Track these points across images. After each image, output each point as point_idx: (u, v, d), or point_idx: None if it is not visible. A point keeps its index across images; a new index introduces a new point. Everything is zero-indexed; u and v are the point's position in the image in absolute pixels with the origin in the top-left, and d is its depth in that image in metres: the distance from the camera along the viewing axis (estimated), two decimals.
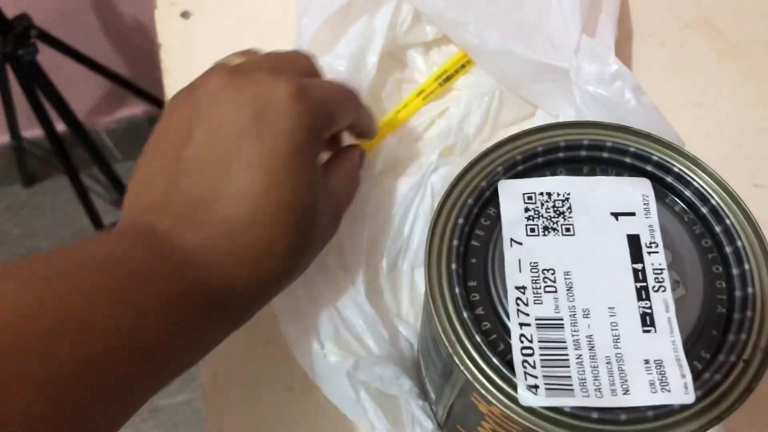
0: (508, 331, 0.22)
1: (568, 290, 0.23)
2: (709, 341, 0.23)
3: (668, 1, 0.45)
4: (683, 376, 0.21)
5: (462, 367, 0.22)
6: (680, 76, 0.43)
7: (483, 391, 0.21)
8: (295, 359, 0.33)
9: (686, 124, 0.41)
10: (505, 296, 0.23)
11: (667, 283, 0.23)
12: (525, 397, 0.21)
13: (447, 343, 0.22)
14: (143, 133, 1.22)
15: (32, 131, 1.07)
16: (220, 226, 0.25)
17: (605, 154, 0.25)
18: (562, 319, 0.22)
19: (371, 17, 0.39)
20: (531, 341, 0.22)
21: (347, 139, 0.35)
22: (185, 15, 0.44)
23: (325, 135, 0.29)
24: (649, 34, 0.44)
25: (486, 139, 0.38)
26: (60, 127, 0.95)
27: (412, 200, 0.37)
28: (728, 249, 0.24)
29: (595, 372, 0.21)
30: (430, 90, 0.40)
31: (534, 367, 0.22)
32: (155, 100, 1.07)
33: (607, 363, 0.22)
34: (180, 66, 0.43)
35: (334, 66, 0.37)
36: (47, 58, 0.86)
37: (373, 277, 0.35)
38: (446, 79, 0.40)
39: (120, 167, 1.13)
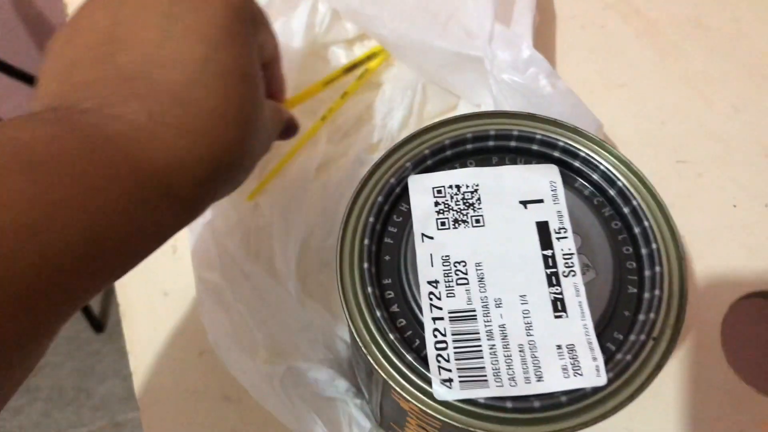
0: (422, 327, 0.22)
1: (479, 281, 0.23)
2: (622, 322, 0.23)
3: None
4: (595, 359, 0.22)
5: (377, 367, 0.22)
6: (602, 56, 0.43)
7: (399, 389, 0.21)
8: None
9: (610, 104, 0.42)
10: (419, 292, 0.23)
11: (577, 268, 0.23)
12: (439, 391, 0.21)
13: (362, 344, 0.22)
14: None
15: None
16: (163, 95, 0.22)
17: (513, 143, 0.25)
18: (474, 311, 0.22)
19: (287, 19, 0.39)
20: (444, 335, 0.22)
21: None
22: None
23: (257, 33, 0.26)
24: (571, 17, 0.45)
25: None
26: None
27: (340, 198, 0.36)
28: (636, 229, 0.24)
29: (509, 361, 0.22)
30: (334, 77, 0.39)
31: (448, 360, 0.22)
32: None
33: (520, 351, 0.22)
34: None
35: None
36: None
37: (306, 278, 0.35)
38: (354, 66, 0.39)
39: None
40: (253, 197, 0.37)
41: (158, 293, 0.35)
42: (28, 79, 0.91)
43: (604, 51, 0.44)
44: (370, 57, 0.40)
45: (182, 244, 0.37)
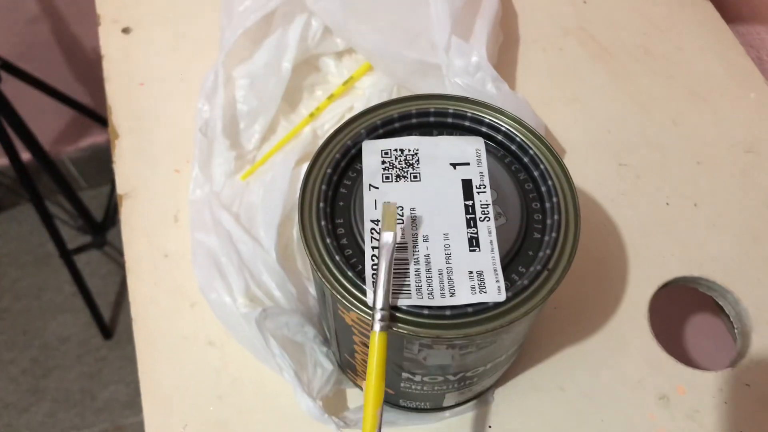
0: (365, 254, 0.28)
1: (412, 222, 0.28)
2: (526, 258, 0.28)
3: (550, 11, 0.53)
4: (497, 282, 0.27)
5: (325, 282, 0.27)
6: (559, 75, 0.50)
7: (342, 299, 0.27)
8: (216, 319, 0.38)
9: (563, 115, 0.48)
10: (364, 228, 0.28)
11: (491, 215, 0.29)
12: (372, 299, 0.26)
13: (313, 264, 0.27)
14: (107, 161, 1.27)
15: None
16: None
17: (449, 119, 0.31)
18: (406, 243, 0.28)
19: (284, 31, 0.45)
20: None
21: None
22: (126, 30, 0.50)
23: None
24: (533, 41, 0.51)
25: None
26: (25, 155, 1.00)
27: None
28: (543, 188, 0.30)
29: (429, 281, 0.27)
30: (317, 112, 0.46)
31: None
32: None
33: (439, 274, 0.27)
34: (120, 75, 0.48)
35: (239, 81, 0.43)
36: (11, 88, 0.91)
37: (286, 245, 0.40)
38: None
39: (84, 195, 1.18)
40: (246, 177, 0.43)
41: (160, 255, 0.41)
42: (62, 97, 0.99)
43: (561, 71, 0.50)
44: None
45: (183, 214, 0.43)
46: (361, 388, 0.37)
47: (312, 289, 0.39)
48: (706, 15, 0.53)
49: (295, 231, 0.41)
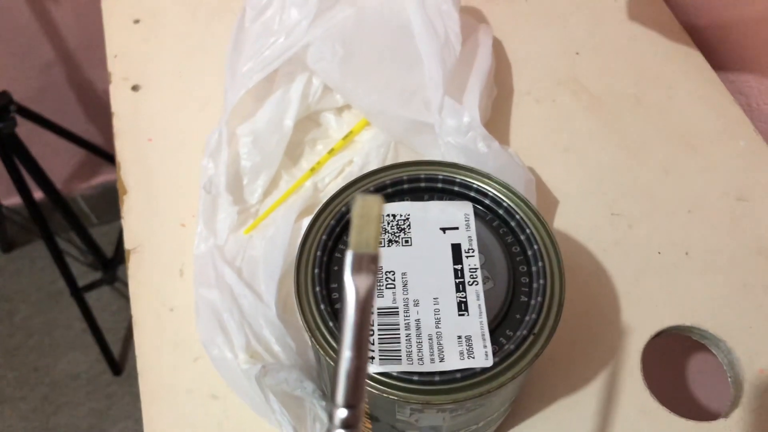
0: None
1: (404, 286, 0.30)
2: (513, 321, 0.30)
3: (543, 63, 0.54)
4: (485, 347, 0.28)
5: (318, 347, 0.28)
6: (552, 126, 0.51)
7: (333, 364, 0.28)
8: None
9: (556, 165, 0.49)
10: None
11: (479, 279, 0.30)
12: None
13: (307, 330, 0.29)
14: (117, 198, 1.28)
15: (10, 199, 1.14)
16: None
17: (439, 185, 0.33)
18: (397, 308, 0.29)
19: (287, 89, 0.47)
20: (372, 325, 0.29)
21: None
22: (135, 88, 0.52)
23: None
24: (527, 92, 0.53)
25: None
26: (37, 194, 1.02)
27: None
28: (529, 252, 0.31)
29: (419, 346, 0.28)
30: (338, 148, 0.48)
31: (373, 343, 0.28)
32: None
33: (429, 339, 0.28)
34: (130, 131, 0.50)
35: (243, 139, 0.45)
36: (25, 129, 0.94)
37: (287, 299, 0.42)
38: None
39: (95, 231, 1.20)
40: (249, 231, 0.44)
41: (165, 309, 0.43)
42: (74, 138, 1.02)
43: (553, 121, 0.51)
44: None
45: (188, 268, 0.44)
46: None
47: (311, 344, 0.40)
48: (696, 64, 0.54)
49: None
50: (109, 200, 1.25)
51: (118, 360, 1.14)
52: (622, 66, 0.54)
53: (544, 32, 0.56)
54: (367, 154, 0.47)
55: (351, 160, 0.48)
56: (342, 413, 0.17)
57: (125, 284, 1.23)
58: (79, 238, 1.09)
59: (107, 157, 1.10)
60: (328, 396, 0.36)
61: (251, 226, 0.45)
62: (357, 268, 0.16)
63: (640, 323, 0.42)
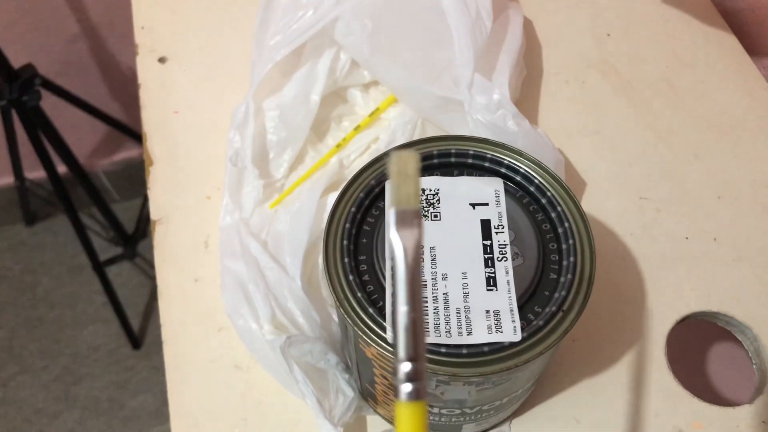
0: (385, 291, 0.29)
1: (432, 260, 0.30)
2: (542, 298, 0.29)
3: (574, 44, 0.54)
4: (513, 322, 0.28)
5: (347, 317, 0.28)
6: (581, 108, 0.50)
7: (362, 335, 0.28)
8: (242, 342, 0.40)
9: (585, 148, 0.48)
10: (385, 266, 0.30)
11: (508, 255, 0.30)
12: (391, 337, 0.28)
13: (336, 301, 0.29)
14: (139, 175, 1.29)
15: (34, 173, 1.15)
16: None
17: (469, 160, 0.33)
18: (425, 281, 0.29)
19: (314, 64, 0.47)
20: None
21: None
22: (162, 60, 0.52)
23: None
24: (556, 73, 0.52)
25: None
26: (61, 168, 1.03)
27: None
28: (560, 229, 0.31)
29: (447, 319, 0.28)
30: (365, 124, 0.47)
31: None
32: None
33: (457, 313, 0.28)
34: (156, 102, 0.50)
35: (269, 113, 0.45)
36: (50, 104, 0.95)
37: (311, 273, 0.42)
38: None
39: (117, 207, 1.21)
40: (274, 206, 0.44)
41: (190, 280, 0.43)
42: (97, 113, 1.02)
43: (583, 103, 0.51)
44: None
45: (213, 240, 0.44)
46: (381, 416, 0.38)
47: (336, 317, 0.40)
48: (730, 48, 0.53)
49: (320, 261, 0.42)
50: (131, 177, 1.26)
51: (138, 334, 1.16)
52: (654, 48, 0.53)
53: (575, 12, 0.55)
54: (394, 131, 0.46)
55: (377, 137, 0.47)
56: (405, 367, 0.18)
57: (145, 260, 1.24)
58: (100, 213, 1.10)
59: (130, 133, 1.11)
60: (352, 369, 0.36)
61: (276, 201, 0.45)
62: (401, 224, 0.16)
63: (666, 308, 0.42)
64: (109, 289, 1.08)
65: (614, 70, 0.52)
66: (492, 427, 0.38)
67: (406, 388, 0.18)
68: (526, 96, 0.50)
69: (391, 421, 0.37)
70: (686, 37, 0.54)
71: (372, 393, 0.35)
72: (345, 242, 0.30)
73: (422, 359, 0.18)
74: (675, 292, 0.43)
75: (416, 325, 0.17)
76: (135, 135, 1.12)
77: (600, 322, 0.41)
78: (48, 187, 1.19)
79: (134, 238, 1.19)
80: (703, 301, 0.42)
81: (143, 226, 1.22)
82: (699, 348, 0.49)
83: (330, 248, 0.30)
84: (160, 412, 1.10)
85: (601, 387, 0.40)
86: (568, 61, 0.53)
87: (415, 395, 0.18)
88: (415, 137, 0.46)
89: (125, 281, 1.20)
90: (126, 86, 1.12)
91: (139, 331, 1.17)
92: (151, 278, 1.23)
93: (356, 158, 0.47)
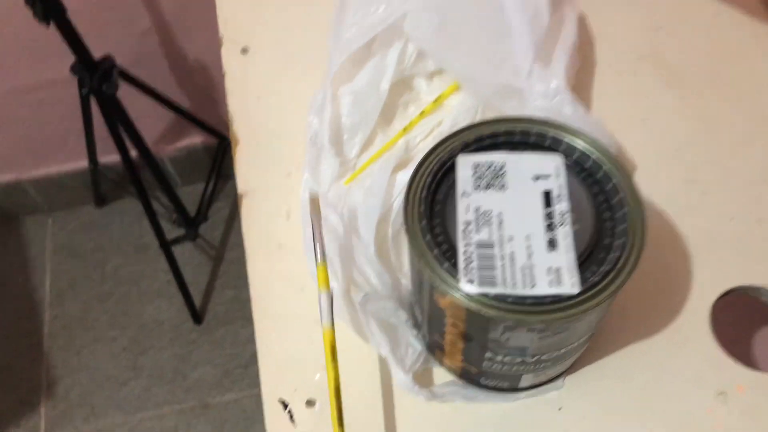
0: (457, 249, 0.34)
1: (499, 225, 0.34)
2: (598, 260, 0.33)
3: (626, 37, 0.57)
4: (572, 277, 0.32)
5: (427, 270, 0.33)
6: (631, 98, 0.54)
7: (439, 285, 0.33)
8: None
9: (635, 135, 0.52)
10: (457, 228, 0.34)
11: (568, 221, 0.34)
12: (465, 286, 0.32)
13: (417, 256, 0.33)
14: (201, 161, 1.36)
15: (106, 158, 1.23)
16: None
17: (532, 139, 0.37)
18: (493, 242, 0.33)
19: (384, 54, 0.52)
20: (471, 255, 0.33)
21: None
22: (244, 51, 0.58)
23: None
24: (609, 65, 0.56)
25: None
26: (131, 153, 1.10)
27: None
28: (614, 200, 0.35)
29: (513, 274, 0.32)
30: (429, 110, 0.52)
31: (472, 270, 0.33)
32: (213, 131, 1.22)
33: (522, 269, 0.33)
34: (239, 88, 0.56)
35: (344, 99, 0.49)
36: (122, 92, 1.02)
37: (382, 242, 0.47)
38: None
39: (180, 191, 1.28)
40: (348, 182, 0.49)
41: (274, 245, 0.48)
42: (165, 101, 1.09)
43: (634, 93, 0.54)
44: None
45: (294, 212, 0.49)
46: (446, 367, 0.43)
47: (404, 281, 0.45)
48: None
49: (390, 230, 0.47)
50: (194, 163, 1.33)
51: (199, 310, 1.23)
52: (704, 42, 0.56)
53: (627, 7, 0.59)
54: (456, 117, 0.51)
55: (440, 121, 0.52)
56: None
57: (206, 241, 1.31)
58: (165, 196, 1.17)
59: (194, 121, 1.18)
60: (422, 323, 0.41)
61: (350, 178, 0.49)
62: None
63: (711, 281, 0.45)
64: (174, 266, 1.16)
65: (665, 62, 0.55)
66: (548, 380, 0.42)
67: None
68: (579, 86, 0.54)
69: (456, 371, 0.42)
70: (736, 30, 0.57)
71: (440, 344, 0.40)
72: (422, 208, 0.35)
73: None
74: (720, 268, 0.46)
75: None
76: (199, 123, 1.19)
77: (648, 292, 0.45)
78: (116, 170, 1.27)
79: (196, 220, 1.25)
80: (746, 277, 0.45)
81: (204, 209, 1.29)
82: (743, 323, 0.52)
83: (409, 213, 0.35)
84: (220, 384, 1.17)
85: (648, 350, 0.43)
86: (621, 53, 0.56)
87: None
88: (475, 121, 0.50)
89: (187, 260, 1.28)
90: (192, 77, 1.18)
91: (201, 307, 1.24)
92: (213, 258, 1.30)
93: (420, 141, 0.52)
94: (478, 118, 0.50)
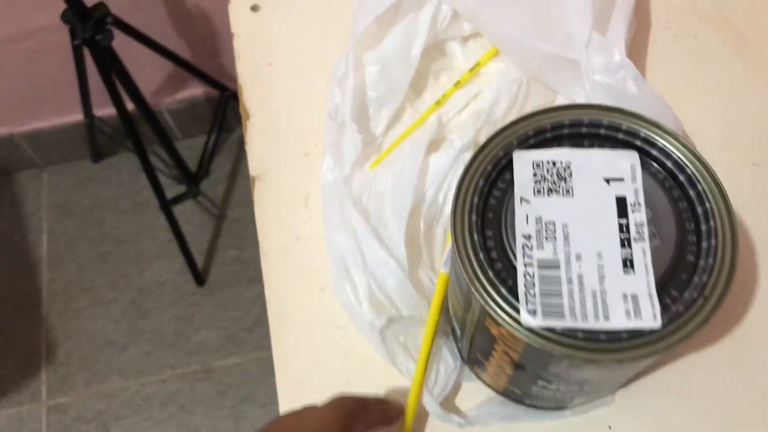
0: (515, 270, 0.28)
1: (565, 239, 0.29)
2: (680, 282, 0.28)
3: None
4: (653, 307, 0.27)
5: (478, 296, 0.28)
6: (692, 65, 0.48)
7: (494, 315, 0.28)
8: None
9: (695, 109, 0.46)
10: (515, 243, 0.29)
11: (645, 235, 0.29)
12: (526, 318, 0.27)
13: (467, 278, 0.28)
14: (202, 113, 1.30)
15: (101, 110, 1.16)
16: None
17: (602, 131, 0.31)
18: (558, 261, 0.28)
19: (415, 16, 0.45)
20: (533, 277, 0.28)
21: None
22: (255, 8, 0.51)
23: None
24: (666, 27, 0.49)
25: None
26: (129, 106, 1.04)
27: (446, 174, 0.42)
28: (699, 209, 0.29)
29: (583, 302, 0.27)
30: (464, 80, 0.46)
31: (534, 297, 0.27)
32: (214, 82, 1.14)
33: (593, 296, 0.27)
34: (249, 52, 0.49)
35: (369, 68, 0.43)
36: (117, 42, 0.94)
37: (413, 237, 0.41)
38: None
39: (180, 145, 1.22)
40: (374, 166, 0.43)
41: (291, 238, 0.43)
42: (164, 51, 1.02)
43: (694, 59, 0.48)
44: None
45: (313, 198, 0.44)
46: (484, 382, 0.38)
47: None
48: None
49: (422, 225, 0.41)
50: (194, 115, 1.26)
51: (201, 271, 1.18)
52: None
53: None
54: (498, 89, 0.44)
55: (477, 93, 0.46)
56: None
57: (208, 198, 1.26)
58: (165, 151, 1.11)
59: (194, 71, 1.10)
60: (460, 337, 0.36)
61: (376, 161, 0.44)
62: None
63: None
64: (175, 226, 1.11)
65: (729, 23, 0.49)
66: (598, 398, 0.37)
67: None
68: (633, 52, 0.48)
69: (497, 390, 0.37)
70: None
71: (482, 363, 0.35)
72: (474, 218, 0.29)
73: None
74: None
75: None
76: (199, 73, 1.11)
77: None
78: (114, 124, 1.20)
79: (197, 176, 1.20)
80: None
81: (206, 164, 1.23)
82: None
83: (458, 224, 0.29)
84: (223, 347, 1.14)
85: (706, 363, 0.39)
86: (679, 13, 0.50)
87: None
88: (521, 97, 0.44)
89: (188, 219, 1.23)
90: (192, 25, 1.10)
91: (203, 267, 1.19)
92: (215, 216, 1.25)
93: (455, 115, 0.46)
94: (522, 92, 0.44)
